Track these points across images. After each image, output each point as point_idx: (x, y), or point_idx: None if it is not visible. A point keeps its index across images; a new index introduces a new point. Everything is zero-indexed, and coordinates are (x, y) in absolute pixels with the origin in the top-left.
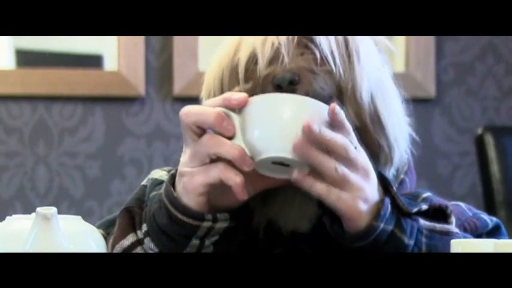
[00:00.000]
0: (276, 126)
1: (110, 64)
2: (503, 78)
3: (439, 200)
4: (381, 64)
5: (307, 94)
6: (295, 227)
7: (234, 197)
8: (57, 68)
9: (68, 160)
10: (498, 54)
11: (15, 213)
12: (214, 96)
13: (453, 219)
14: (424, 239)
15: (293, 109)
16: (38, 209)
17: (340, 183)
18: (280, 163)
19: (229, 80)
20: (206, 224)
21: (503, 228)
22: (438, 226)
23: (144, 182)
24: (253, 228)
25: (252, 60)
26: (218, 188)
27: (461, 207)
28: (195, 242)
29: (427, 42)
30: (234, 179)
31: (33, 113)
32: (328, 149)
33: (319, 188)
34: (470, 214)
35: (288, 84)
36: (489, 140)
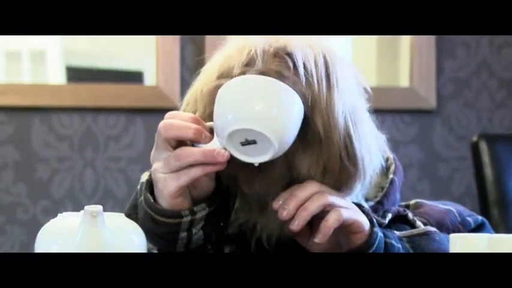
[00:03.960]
0: (232, 103)
1: (150, 79)
2: (496, 91)
3: (397, 208)
4: (357, 94)
5: None
6: (280, 236)
7: (205, 185)
8: (102, 83)
9: (112, 164)
10: (491, 71)
11: (66, 211)
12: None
13: (418, 222)
14: (406, 244)
15: (243, 85)
16: (86, 207)
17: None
18: (248, 142)
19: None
20: (186, 219)
21: (487, 225)
22: (416, 231)
23: (139, 186)
24: (246, 239)
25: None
26: (190, 185)
27: (452, 214)
28: (183, 234)
29: (428, 60)
30: (214, 167)
31: (82, 123)
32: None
33: (332, 221)
34: (459, 219)
35: None
36: (483, 147)
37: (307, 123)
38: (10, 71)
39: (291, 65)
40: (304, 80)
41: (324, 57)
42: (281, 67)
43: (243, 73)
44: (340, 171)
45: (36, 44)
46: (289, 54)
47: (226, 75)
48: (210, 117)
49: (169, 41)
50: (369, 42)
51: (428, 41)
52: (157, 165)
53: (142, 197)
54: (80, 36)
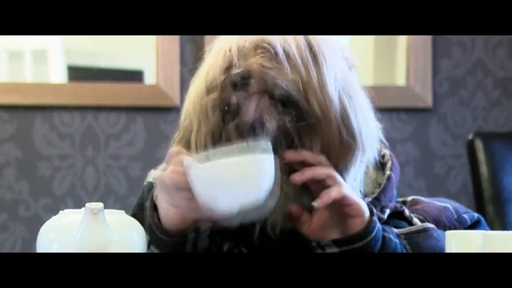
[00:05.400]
0: (214, 192)
1: (150, 78)
2: (491, 90)
3: (394, 204)
4: (346, 67)
5: (261, 86)
6: (283, 225)
7: None
8: (103, 82)
9: (113, 162)
10: (486, 70)
11: (67, 208)
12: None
13: (415, 219)
14: (404, 241)
15: (215, 172)
16: (87, 205)
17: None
18: None
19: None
20: (191, 236)
21: (483, 222)
22: (413, 228)
23: (145, 182)
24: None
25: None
26: None
27: (448, 211)
28: (189, 245)
29: (424, 60)
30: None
31: (83, 121)
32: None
33: (333, 192)
34: (455, 217)
35: (241, 80)
36: (479, 145)
37: (303, 109)
38: (12, 70)
39: (273, 53)
40: (288, 66)
41: (306, 37)
42: (263, 59)
43: (227, 78)
44: (340, 146)
45: (38, 43)
46: (269, 44)
47: (212, 85)
48: (205, 127)
49: (169, 40)
50: (366, 42)
51: (424, 41)
52: (161, 195)
53: (148, 210)
54: (81, 36)
